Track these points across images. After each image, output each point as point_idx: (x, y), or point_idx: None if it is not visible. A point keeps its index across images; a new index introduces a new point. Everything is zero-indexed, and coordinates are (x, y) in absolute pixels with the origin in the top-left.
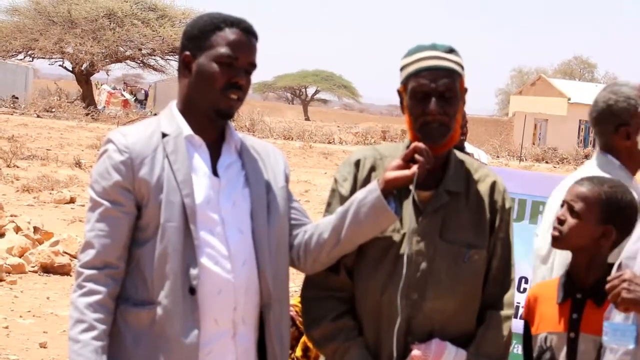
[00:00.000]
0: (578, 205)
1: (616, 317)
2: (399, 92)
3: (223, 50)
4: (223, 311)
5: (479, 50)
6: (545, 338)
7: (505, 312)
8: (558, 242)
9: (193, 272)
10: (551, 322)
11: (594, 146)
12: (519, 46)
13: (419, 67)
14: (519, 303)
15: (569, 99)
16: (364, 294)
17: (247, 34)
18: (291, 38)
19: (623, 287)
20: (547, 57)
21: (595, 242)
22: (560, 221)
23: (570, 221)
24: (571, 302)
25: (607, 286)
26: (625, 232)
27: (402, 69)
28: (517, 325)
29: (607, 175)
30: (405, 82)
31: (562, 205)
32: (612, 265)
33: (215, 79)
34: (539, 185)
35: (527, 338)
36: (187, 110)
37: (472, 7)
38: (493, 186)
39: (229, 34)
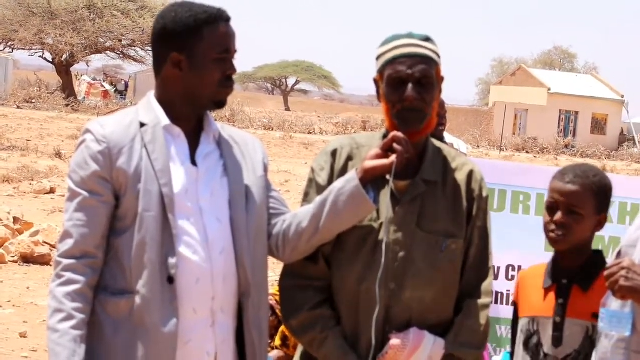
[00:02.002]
0: (576, 206)
1: (613, 304)
2: (375, 81)
3: (219, 48)
4: (201, 300)
5: (459, 40)
6: (532, 321)
7: (482, 300)
8: (561, 244)
9: (171, 261)
10: (537, 306)
11: (574, 136)
12: (499, 36)
13: (396, 54)
14: (509, 290)
15: (549, 89)
16: (342, 283)
17: (228, 23)
18: (271, 29)
19: (621, 274)
20: (527, 47)
21: (592, 232)
22: (562, 224)
23: (572, 223)
24: (557, 287)
25: (606, 273)
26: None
27: (378, 57)
28: (508, 311)
29: None
30: (382, 70)
31: (551, 206)
32: (596, 250)
33: (214, 75)
34: (518, 176)
35: (516, 321)
36: (166, 100)
37: None
38: (470, 175)
39: (218, 29)
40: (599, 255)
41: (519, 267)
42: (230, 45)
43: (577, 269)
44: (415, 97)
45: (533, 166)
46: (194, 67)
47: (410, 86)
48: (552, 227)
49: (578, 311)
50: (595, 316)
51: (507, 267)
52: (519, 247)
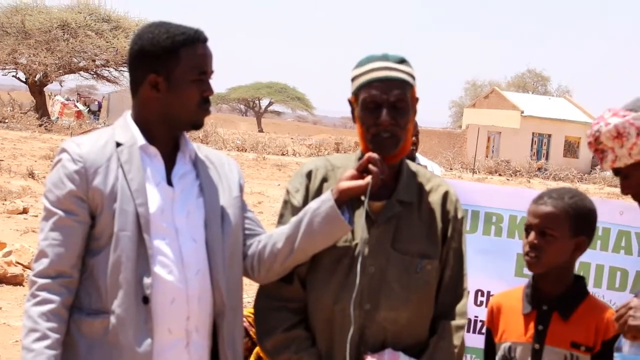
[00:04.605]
0: (548, 227)
1: (625, 347)
2: (350, 102)
3: (196, 69)
4: (176, 320)
5: (433, 63)
6: (509, 347)
7: (457, 321)
8: (536, 267)
9: (146, 281)
10: (516, 332)
11: (546, 159)
12: (472, 59)
13: (370, 77)
14: (477, 317)
15: (522, 112)
16: (317, 304)
17: (206, 44)
18: (245, 50)
19: (629, 314)
20: (500, 70)
21: (569, 256)
22: (534, 246)
23: (545, 245)
24: (537, 314)
25: (615, 316)
26: (592, 237)
27: (353, 79)
28: (479, 340)
29: None
30: (356, 93)
31: (527, 229)
32: (578, 276)
33: (192, 97)
34: (491, 197)
35: (489, 346)
36: (143, 120)
37: (425, 19)
38: (445, 196)
39: (195, 50)
40: (580, 283)
41: (488, 293)
42: (207, 66)
43: (557, 296)
44: (390, 122)
45: (506, 187)
46: (172, 89)
47: (384, 111)
48: (527, 249)
49: (557, 339)
50: (574, 345)
51: (477, 292)
52: (489, 271)
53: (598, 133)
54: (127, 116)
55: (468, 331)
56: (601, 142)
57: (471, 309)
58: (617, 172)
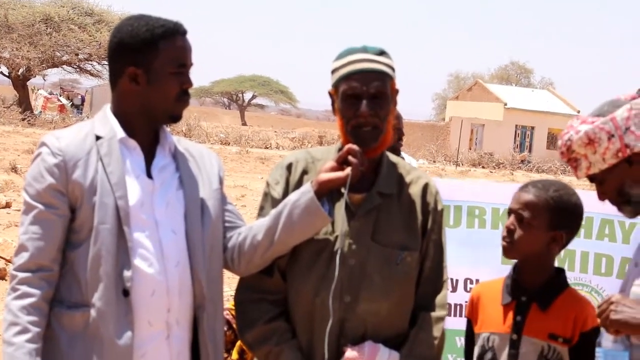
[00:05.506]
0: (526, 214)
1: (607, 342)
2: (330, 94)
3: (175, 62)
4: (156, 313)
5: (416, 55)
6: (488, 338)
7: (437, 313)
8: (509, 252)
9: (126, 274)
10: (494, 322)
11: (529, 151)
12: (456, 51)
13: (350, 70)
14: (467, 302)
15: (505, 104)
16: (297, 296)
17: (185, 37)
18: (228, 43)
19: (611, 309)
20: (483, 62)
21: (545, 248)
22: (510, 231)
23: (520, 231)
24: (516, 304)
25: (597, 312)
26: (574, 233)
27: (333, 71)
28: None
29: None
30: (336, 85)
31: (509, 214)
32: (558, 269)
33: (171, 89)
34: (473, 193)
35: (470, 336)
36: (122, 113)
37: (409, 11)
38: (425, 188)
39: (175, 42)
40: (560, 275)
41: (477, 280)
42: (186, 59)
43: (537, 287)
44: (370, 113)
45: (488, 183)
46: (151, 81)
47: (364, 102)
48: (504, 233)
49: (535, 330)
50: (552, 337)
51: (465, 280)
52: (476, 260)
53: (569, 142)
54: (107, 109)
55: (461, 316)
56: (574, 151)
57: (461, 295)
58: (592, 179)
